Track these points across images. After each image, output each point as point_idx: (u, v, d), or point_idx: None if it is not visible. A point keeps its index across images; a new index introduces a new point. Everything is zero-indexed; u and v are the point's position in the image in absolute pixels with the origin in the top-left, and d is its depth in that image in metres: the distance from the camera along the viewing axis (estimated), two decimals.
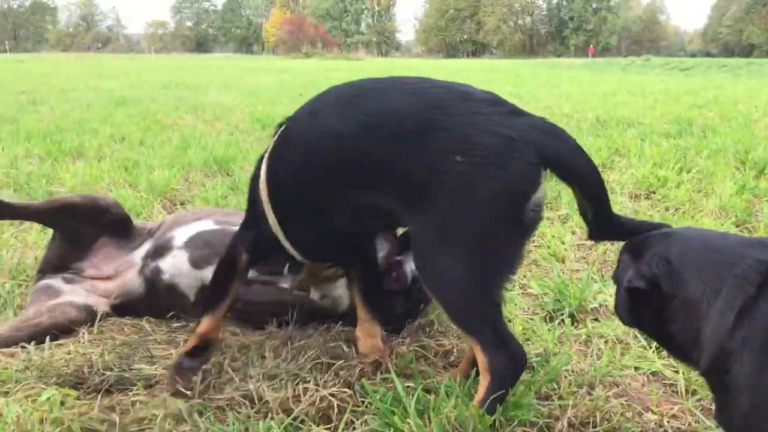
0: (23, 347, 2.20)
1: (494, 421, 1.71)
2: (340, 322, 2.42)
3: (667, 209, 4.04)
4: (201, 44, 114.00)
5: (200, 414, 1.83)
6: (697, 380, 2.02)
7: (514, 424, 1.76)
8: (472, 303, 1.76)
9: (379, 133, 1.78)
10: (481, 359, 1.76)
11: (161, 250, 2.56)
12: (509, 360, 1.75)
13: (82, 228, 2.66)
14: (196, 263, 2.47)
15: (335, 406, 1.84)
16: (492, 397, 1.73)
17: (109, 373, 2.02)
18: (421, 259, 1.83)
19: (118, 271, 2.61)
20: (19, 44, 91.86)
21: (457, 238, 1.72)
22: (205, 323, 2.13)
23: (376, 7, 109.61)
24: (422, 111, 1.74)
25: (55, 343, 2.27)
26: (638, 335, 2.33)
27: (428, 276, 1.82)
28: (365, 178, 1.83)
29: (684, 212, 3.97)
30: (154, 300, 2.52)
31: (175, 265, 2.49)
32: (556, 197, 4.34)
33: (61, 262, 2.63)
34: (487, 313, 1.75)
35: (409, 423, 1.70)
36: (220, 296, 2.17)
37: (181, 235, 2.57)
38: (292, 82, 19.53)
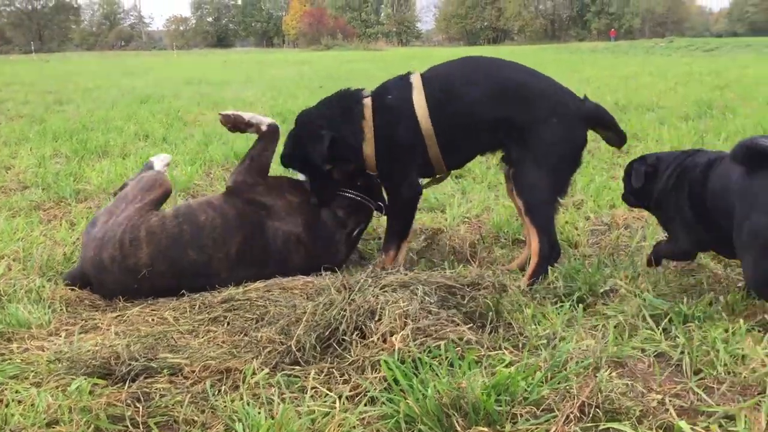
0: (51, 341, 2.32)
1: (503, 401, 1.79)
2: None
3: None
4: (222, 39, 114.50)
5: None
6: (702, 359, 2.07)
7: (522, 403, 1.83)
8: (543, 202, 2.83)
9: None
10: (535, 244, 2.82)
11: None
12: (551, 248, 2.81)
13: None
14: None
15: None
16: (536, 274, 2.79)
17: (135, 363, 2.12)
18: (520, 175, 2.86)
19: None
20: (44, 44, 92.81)
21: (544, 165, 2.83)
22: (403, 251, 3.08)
23: None
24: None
25: (83, 336, 2.39)
26: (647, 317, 2.38)
27: (522, 185, 2.85)
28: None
29: None
30: None
31: None
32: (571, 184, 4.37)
33: None
34: (548, 213, 2.85)
35: None
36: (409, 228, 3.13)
37: None
38: (312, 74, 19.65)
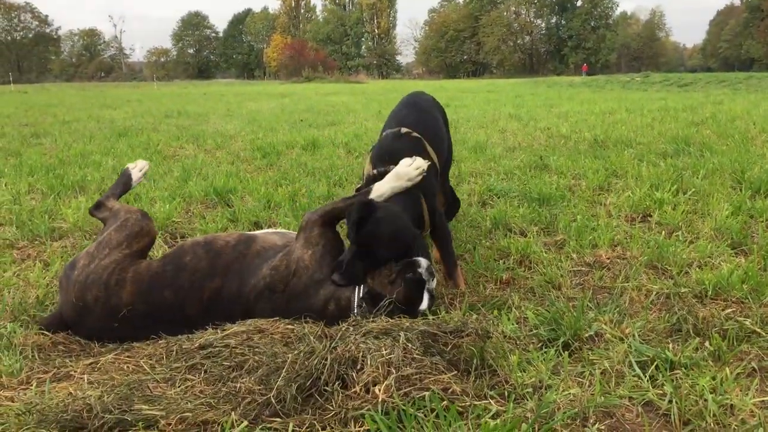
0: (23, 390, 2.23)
1: None
2: None
3: (661, 232, 4.06)
4: (203, 71, 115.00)
5: None
6: (690, 409, 2.04)
7: None
8: None
9: None
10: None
11: None
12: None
13: None
14: None
15: None
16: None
17: (108, 416, 2.04)
18: None
19: None
20: (23, 75, 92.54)
21: None
22: None
23: (376, 31, 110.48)
24: None
25: (55, 384, 2.31)
26: (634, 364, 2.35)
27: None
28: None
29: (679, 235, 3.99)
30: None
31: None
32: (552, 222, 4.37)
33: None
34: None
35: None
36: None
37: None
38: (292, 107, 19.66)
